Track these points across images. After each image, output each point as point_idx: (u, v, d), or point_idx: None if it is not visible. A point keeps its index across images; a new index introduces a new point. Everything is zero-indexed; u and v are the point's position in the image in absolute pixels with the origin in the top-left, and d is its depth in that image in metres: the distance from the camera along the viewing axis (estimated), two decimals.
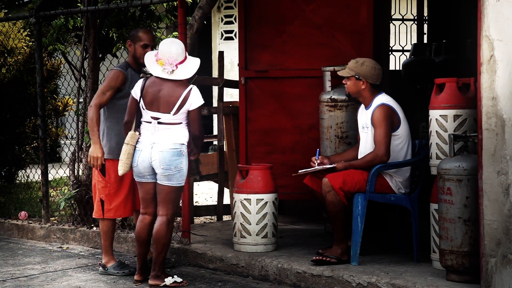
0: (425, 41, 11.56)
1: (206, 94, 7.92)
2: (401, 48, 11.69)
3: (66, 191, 8.95)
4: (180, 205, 7.32)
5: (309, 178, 6.52)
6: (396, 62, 11.71)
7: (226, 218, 8.83)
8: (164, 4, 9.00)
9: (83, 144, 8.27)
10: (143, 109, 6.26)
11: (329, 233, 7.30)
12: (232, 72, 15.18)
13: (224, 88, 8.95)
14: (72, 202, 8.35)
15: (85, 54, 8.58)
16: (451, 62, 10.01)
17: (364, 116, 6.50)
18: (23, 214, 9.08)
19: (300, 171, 6.56)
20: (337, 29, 7.52)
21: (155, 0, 7.85)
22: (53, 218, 8.85)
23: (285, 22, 7.70)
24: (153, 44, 6.70)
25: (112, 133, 6.65)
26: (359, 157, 6.48)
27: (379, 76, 6.46)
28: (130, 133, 6.29)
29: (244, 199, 6.83)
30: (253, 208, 6.80)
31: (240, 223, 6.85)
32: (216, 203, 8.97)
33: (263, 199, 6.81)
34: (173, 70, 6.19)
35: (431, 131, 6.03)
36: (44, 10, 8.77)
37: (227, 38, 16.20)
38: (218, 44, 16.22)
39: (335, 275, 6.07)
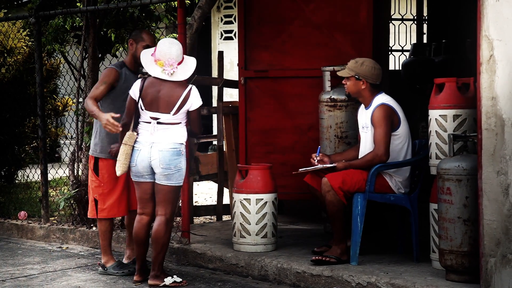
0: (425, 41, 11.55)
1: (206, 94, 7.93)
2: (400, 48, 11.68)
3: (65, 191, 8.95)
4: (180, 205, 7.33)
5: (310, 176, 6.53)
6: (395, 62, 11.70)
7: (225, 218, 8.83)
8: (163, 5, 9.00)
9: (83, 144, 8.27)
10: (142, 109, 6.26)
11: (328, 233, 7.30)
12: (231, 72, 15.19)
13: (224, 88, 8.95)
14: (72, 202, 8.35)
15: (85, 54, 8.58)
16: (451, 62, 10.00)
17: (364, 116, 6.50)
18: (23, 214, 9.08)
19: (300, 169, 6.57)
20: (337, 29, 7.51)
21: (155, 0, 7.85)
22: (52, 218, 8.85)
23: (285, 22, 7.70)
24: (154, 46, 6.70)
25: (104, 132, 6.62)
26: (359, 157, 6.49)
27: (379, 76, 6.47)
28: (128, 133, 6.27)
29: (244, 199, 6.83)
30: (253, 208, 6.80)
31: (240, 223, 6.85)
32: (215, 203, 8.97)
33: (262, 199, 6.81)
34: (173, 72, 6.20)
35: (430, 131, 6.03)
36: (44, 10, 8.77)
37: (226, 38, 16.20)
38: (218, 44, 16.23)
39: (334, 275, 6.07)
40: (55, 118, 11.25)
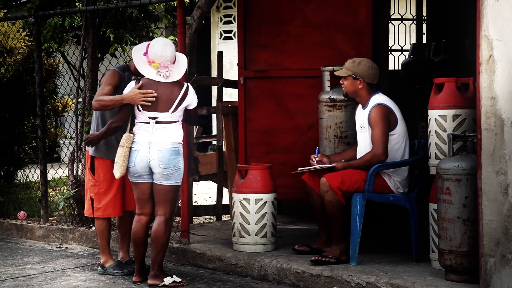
0: (424, 41, 11.55)
1: (205, 94, 7.92)
2: (400, 48, 11.68)
3: (65, 191, 8.95)
4: (179, 205, 7.33)
5: (308, 175, 6.54)
6: (395, 62, 11.70)
7: (225, 218, 8.83)
8: (162, 5, 9.00)
9: (82, 144, 8.27)
10: (140, 110, 6.25)
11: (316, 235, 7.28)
12: (231, 72, 15.18)
13: (223, 88, 8.94)
14: (71, 202, 8.35)
15: (84, 54, 8.58)
16: (450, 62, 10.00)
17: (361, 116, 6.51)
18: (22, 214, 9.08)
19: (299, 169, 6.57)
20: (336, 29, 7.51)
21: (154, 0, 7.85)
22: (52, 218, 8.85)
23: (284, 22, 7.70)
24: None
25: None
26: (357, 157, 6.49)
27: (376, 75, 6.48)
28: (125, 135, 6.27)
29: (243, 199, 6.83)
30: (252, 208, 6.80)
31: (239, 223, 6.85)
32: (215, 203, 8.97)
33: (262, 199, 6.81)
34: (169, 74, 6.21)
35: (430, 131, 6.03)
36: (43, 10, 8.77)
37: (226, 38, 16.20)
38: (217, 44, 16.23)
39: (334, 275, 6.07)
40: (54, 118, 11.23)
